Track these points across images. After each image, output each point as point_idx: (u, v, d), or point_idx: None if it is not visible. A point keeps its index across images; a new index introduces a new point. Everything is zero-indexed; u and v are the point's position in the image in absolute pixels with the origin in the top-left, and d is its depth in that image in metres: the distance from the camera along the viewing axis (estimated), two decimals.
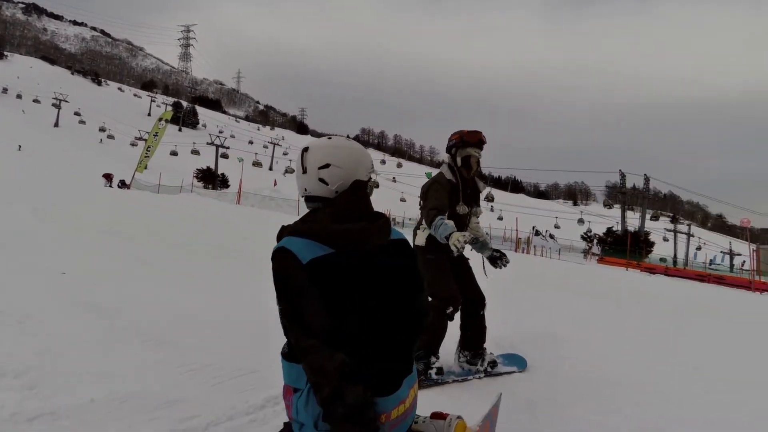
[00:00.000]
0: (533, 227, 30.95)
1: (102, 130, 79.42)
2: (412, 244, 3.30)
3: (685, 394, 3.28)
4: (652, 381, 3.48)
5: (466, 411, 1.98)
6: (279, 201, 31.92)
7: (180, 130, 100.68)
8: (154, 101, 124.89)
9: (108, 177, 30.49)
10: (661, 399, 3.17)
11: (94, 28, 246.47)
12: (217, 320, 4.05)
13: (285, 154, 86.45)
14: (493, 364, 3.40)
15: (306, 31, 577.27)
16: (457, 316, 3.30)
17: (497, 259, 3.49)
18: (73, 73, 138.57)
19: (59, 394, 2.44)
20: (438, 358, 3.23)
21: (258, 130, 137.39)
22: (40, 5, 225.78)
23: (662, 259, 38.48)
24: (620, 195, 46.12)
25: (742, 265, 45.61)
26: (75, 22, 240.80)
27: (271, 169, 79.59)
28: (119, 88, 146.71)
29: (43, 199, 12.14)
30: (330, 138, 1.79)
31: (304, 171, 1.73)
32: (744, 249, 41.60)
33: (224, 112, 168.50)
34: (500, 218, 44.22)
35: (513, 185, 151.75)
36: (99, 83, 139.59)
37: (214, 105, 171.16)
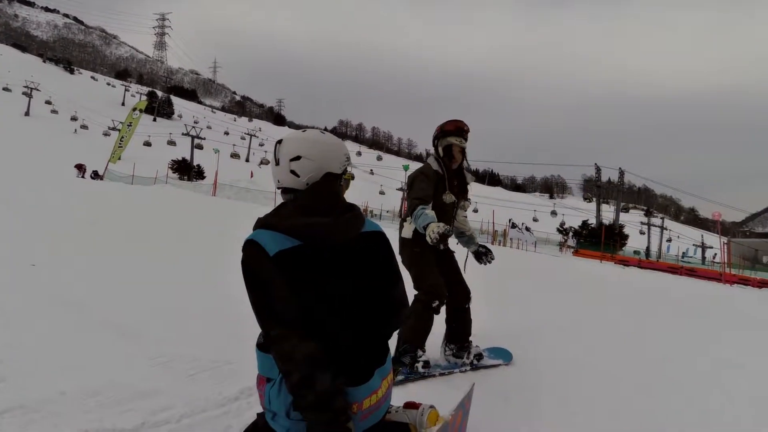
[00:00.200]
0: (509, 220, 31.23)
1: (74, 119, 77.44)
2: (399, 236, 3.33)
3: (658, 386, 3.36)
4: (628, 373, 3.55)
5: (443, 401, 2.00)
6: (255, 193, 31.61)
7: (155, 120, 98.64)
8: (128, 90, 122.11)
9: (80, 168, 29.66)
10: (635, 390, 3.24)
11: (66, 15, 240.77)
12: (192, 312, 4.00)
13: (261, 145, 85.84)
14: (479, 357, 3.42)
15: (284, 23, 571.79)
16: (443, 309, 3.31)
17: (482, 255, 3.50)
18: (44, 61, 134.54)
19: (29, 387, 2.39)
20: (424, 351, 3.22)
21: (234, 121, 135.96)
22: None
23: (636, 252, 39.30)
24: (595, 188, 46.88)
25: (714, 257, 46.87)
26: (47, 9, 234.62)
27: (248, 160, 78.75)
28: (92, 77, 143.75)
29: (11, 190, 11.82)
30: (305, 131, 1.79)
31: (277, 163, 1.74)
32: (716, 242, 42.58)
33: (200, 103, 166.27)
34: (476, 210, 44.50)
35: (490, 178, 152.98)
36: (71, 72, 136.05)
37: (190, 95, 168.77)
